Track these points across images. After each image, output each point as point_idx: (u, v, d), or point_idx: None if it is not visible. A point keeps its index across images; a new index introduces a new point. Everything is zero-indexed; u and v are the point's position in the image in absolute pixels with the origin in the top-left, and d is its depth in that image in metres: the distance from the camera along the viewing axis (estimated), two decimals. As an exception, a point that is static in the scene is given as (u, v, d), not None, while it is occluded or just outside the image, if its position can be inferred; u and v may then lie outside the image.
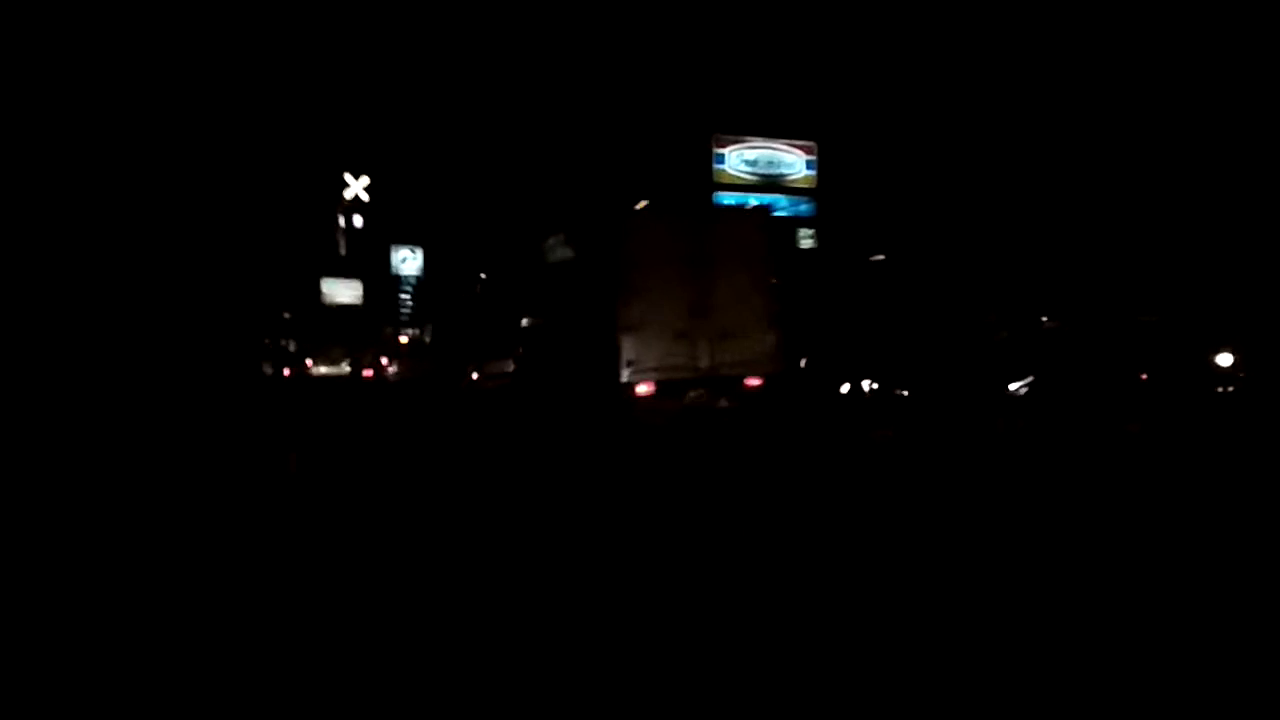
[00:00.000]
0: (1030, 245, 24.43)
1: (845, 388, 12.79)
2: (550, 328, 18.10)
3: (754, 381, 12.17)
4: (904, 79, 31.17)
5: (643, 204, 13.23)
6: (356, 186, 53.38)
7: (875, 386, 12.11)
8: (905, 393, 12.30)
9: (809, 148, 37.56)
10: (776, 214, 37.17)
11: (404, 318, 51.80)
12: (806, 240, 37.04)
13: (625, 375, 11.95)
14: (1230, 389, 10.31)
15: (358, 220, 54.05)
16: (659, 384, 12.02)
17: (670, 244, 12.22)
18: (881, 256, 30.36)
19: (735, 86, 35.02)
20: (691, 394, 12.11)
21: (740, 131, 36.87)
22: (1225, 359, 10.86)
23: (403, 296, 53.27)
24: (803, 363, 15.34)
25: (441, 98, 43.46)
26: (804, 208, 37.51)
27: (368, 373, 33.52)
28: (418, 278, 53.44)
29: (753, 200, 36.99)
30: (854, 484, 7.92)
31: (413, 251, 53.43)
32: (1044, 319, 20.29)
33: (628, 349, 11.96)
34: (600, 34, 36.80)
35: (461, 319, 40.91)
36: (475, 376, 23.94)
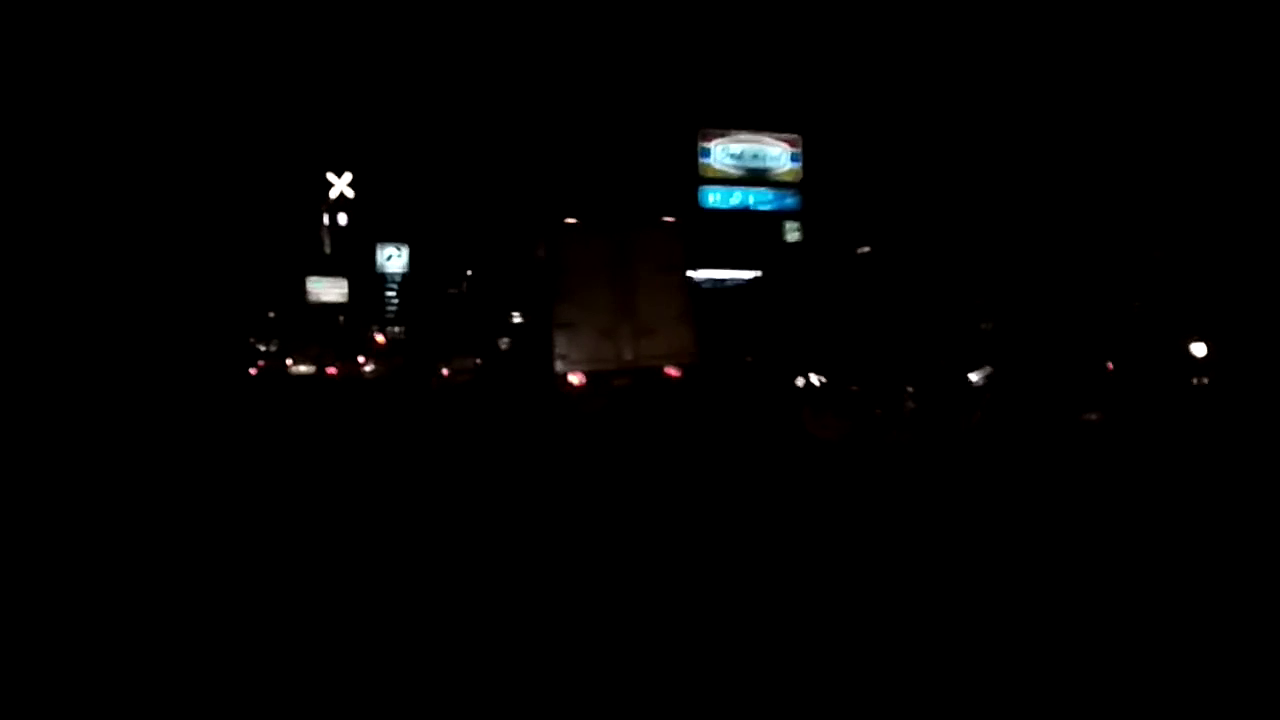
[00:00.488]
0: (1015, 235, 24.52)
1: (800, 381, 13.02)
2: (506, 327, 20.21)
3: (673, 371, 13.73)
4: (887, 71, 31.20)
5: (571, 220, 14.95)
6: (341, 184, 53.12)
7: (824, 380, 12.41)
8: (856, 387, 12.29)
9: (794, 140, 37.57)
10: (762, 207, 37.39)
11: (390, 315, 51.58)
12: (792, 233, 37.08)
13: (559, 367, 13.56)
14: (1204, 380, 10.27)
15: (342, 218, 53.80)
16: (588, 374, 13.55)
17: (596, 253, 13.80)
18: (867, 248, 30.41)
19: (720, 81, 35.03)
20: (617, 383, 13.55)
21: (725, 125, 36.85)
22: (1199, 349, 10.86)
23: (388, 294, 53.04)
24: (749, 357, 16.13)
25: (427, 94, 43.28)
26: (789, 201, 37.54)
27: (332, 370, 33.70)
28: (403, 275, 53.21)
29: (737, 195, 37.17)
30: (771, 471, 8.51)
31: (398, 249, 53.18)
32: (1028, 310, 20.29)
33: (560, 344, 13.59)
34: (586, 30, 36.71)
35: (434, 316, 41.21)
36: (446, 373, 24.37)
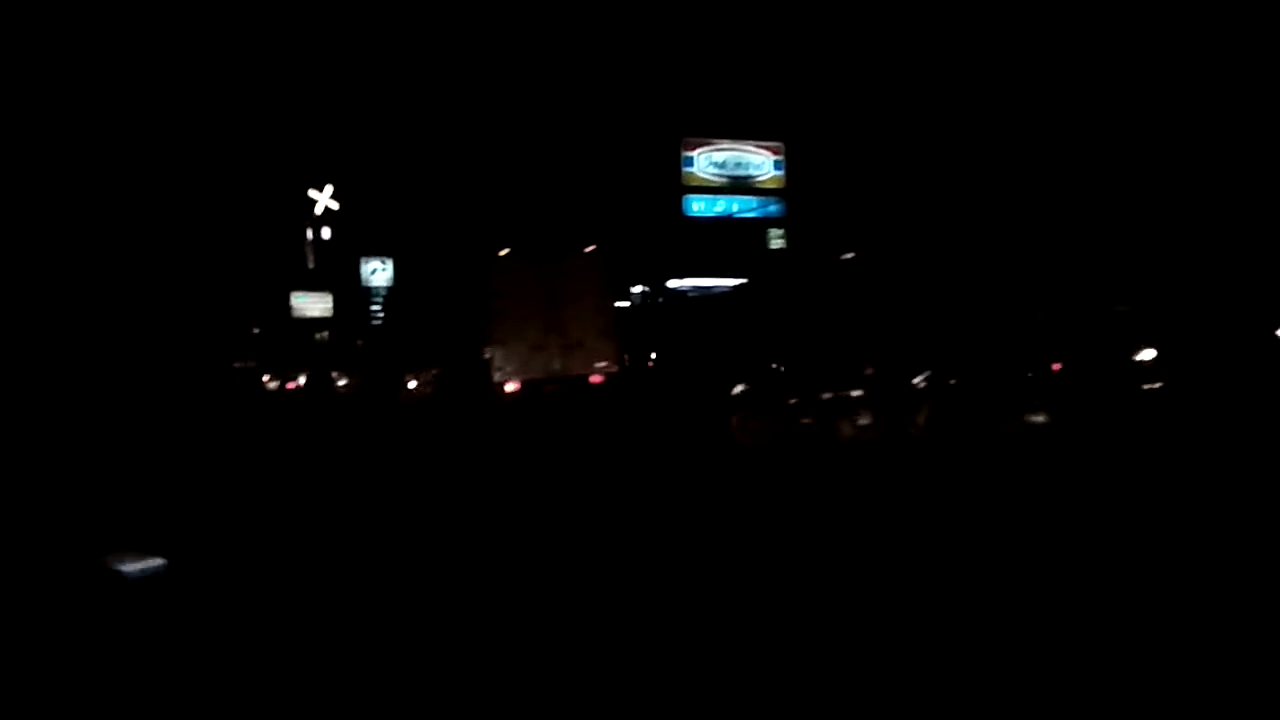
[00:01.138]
0: (997, 240, 24.67)
1: (739, 389, 13.73)
2: (459, 342, 22.50)
3: (597, 379, 15.60)
4: (869, 78, 31.31)
5: (503, 251, 16.79)
6: (324, 198, 52.90)
7: (752, 388, 13.26)
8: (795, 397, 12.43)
9: (777, 149, 37.63)
10: (745, 215, 37.41)
11: (375, 329, 51.28)
12: (776, 241, 37.10)
13: (496, 378, 15.63)
14: (1155, 385, 10.35)
15: (326, 233, 53.55)
16: (523, 383, 15.55)
17: (528, 279, 15.78)
18: (851, 255, 30.44)
19: (702, 89, 35.06)
20: (548, 390, 15.36)
21: (708, 134, 36.89)
22: (1148, 354, 11.01)
23: (373, 309, 52.77)
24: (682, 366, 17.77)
25: (411, 105, 43.19)
26: (773, 208, 37.57)
27: (290, 385, 34.16)
28: (388, 289, 52.94)
29: (720, 203, 37.20)
30: (684, 468, 9.40)
31: (383, 263, 52.91)
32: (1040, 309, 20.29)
33: (498, 358, 15.73)
34: (569, 40, 36.72)
35: (395, 330, 42.03)
36: (412, 385, 25.02)
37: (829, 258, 29.95)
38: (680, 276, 35.07)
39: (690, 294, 35.17)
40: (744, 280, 31.28)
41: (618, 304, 19.11)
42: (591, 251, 16.79)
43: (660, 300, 33.89)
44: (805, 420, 10.78)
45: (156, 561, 3.95)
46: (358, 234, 52.21)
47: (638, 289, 36.73)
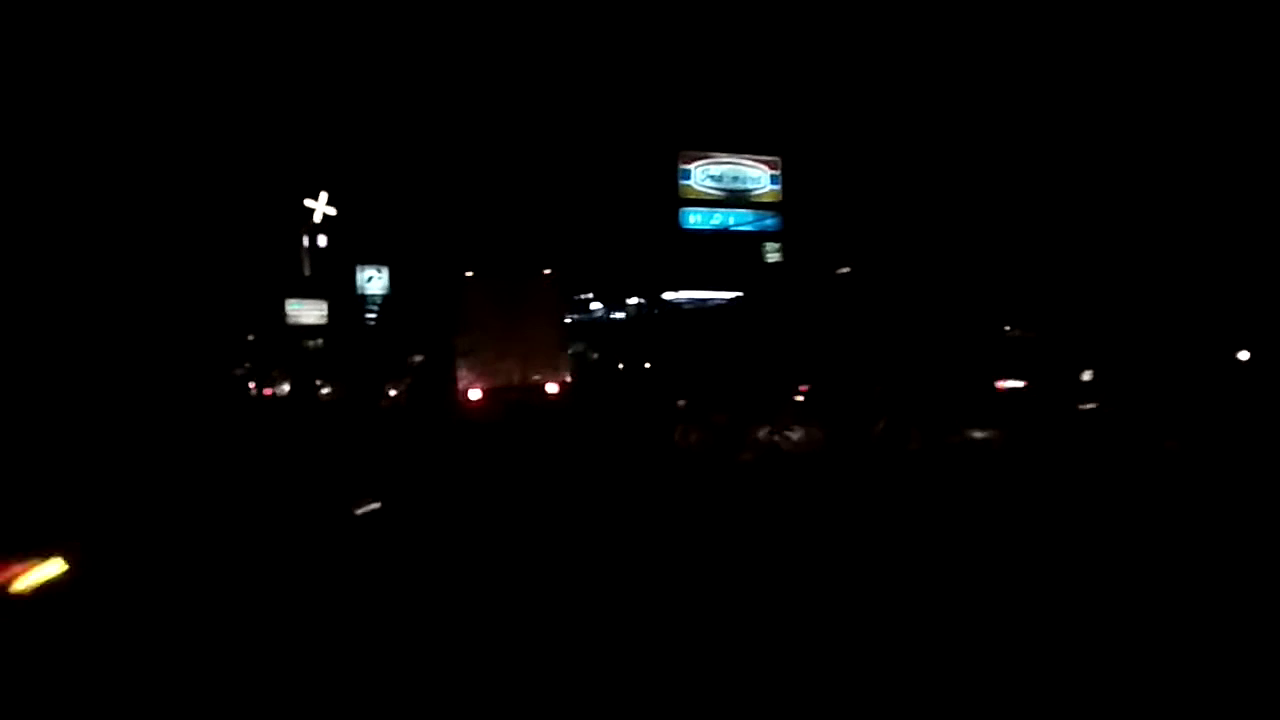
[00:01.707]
0: (991, 255, 24.85)
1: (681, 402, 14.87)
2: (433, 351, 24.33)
3: (552, 388, 17.14)
4: (866, 94, 31.53)
5: (469, 273, 18.29)
6: (320, 205, 52.90)
7: (684, 402, 14.34)
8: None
9: (773, 163, 37.83)
10: (742, 229, 37.56)
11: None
12: (773, 254, 37.25)
13: (461, 385, 17.08)
14: (1092, 405, 10.69)
15: (322, 240, 53.51)
16: (486, 391, 16.88)
17: (491, 297, 17.38)
18: (847, 269, 30.59)
19: (700, 103, 35.25)
20: (508, 397, 16.61)
21: (705, 148, 37.08)
22: (1087, 375, 11.44)
23: (369, 316, 52.71)
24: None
25: (411, 113, 43.31)
26: (769, 222, 37.74)
27: (268, 391, 34.54)
28: (383, 296, 52.89)
29: (717, 216, 37.37)
30: (623, 465, 10.33)
31: (378, 270, 52.89)
32: (1006, 328, 20.49)
33: (463, 368, 17.20)
34: (568, 53, 36.91)
35: (383, 337, 42.53)
36: (393, 393, 25.55)
37: (815, 271, 30.13)
38: (676, 289, 35.19)
39: (686, 306, 35.32)
40: (739, 293, 31.41)
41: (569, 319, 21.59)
42: (548, 274, 18.39)
43: (656, 311, 34.03)
44: (748, 430, 11.13)
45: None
46: (354, 241, 52.21)
47: (634, 300, 36.82)
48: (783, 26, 33.73)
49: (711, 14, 36.33)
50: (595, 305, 43.10)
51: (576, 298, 44.64)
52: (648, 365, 25.21)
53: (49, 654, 3.69)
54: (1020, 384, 11.62)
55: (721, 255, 35.63)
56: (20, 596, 3.73)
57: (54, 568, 3.92)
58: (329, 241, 53.46)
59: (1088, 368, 12.50)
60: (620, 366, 27.48)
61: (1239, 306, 16.37)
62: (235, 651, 4.29)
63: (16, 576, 3.78)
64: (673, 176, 36.39)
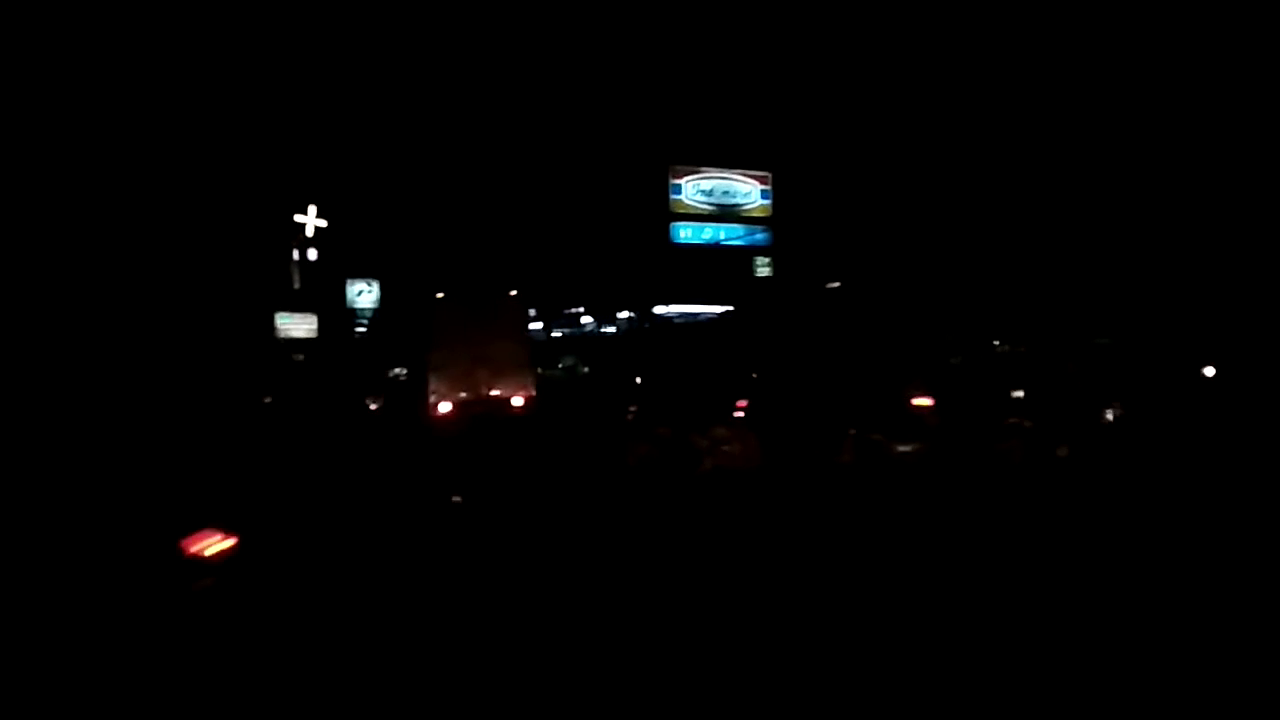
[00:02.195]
0: (980, 272, 24.92)
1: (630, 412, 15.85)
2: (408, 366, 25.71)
3: (518, 401, 17.92)
4: (857, 110, 31.68)
5: (440, 294, 19.15)
6: (309, 218, 52.77)
7: (636, 414, 15.01)
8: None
9: (764, 178, 37.94)
10: (732, 243, 37.65)
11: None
12: (763, 269, 37.32)
13: (432, 399, 17.72)
14: (1027, 424, 11.01)
15: (312, 254, 53.35)
16: (455, 404, 17.56)
17: (460, 317, 18.25)
18: (838, 284, 30.65)
19: (691, 118, 35.36)
20: (476, 410, 17.28)
21: (696, 162, 37.17)
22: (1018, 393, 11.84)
23: (359, 330, 52.55)
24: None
25: (402, 127, 43.31)
26: (760, 236, 37.83)
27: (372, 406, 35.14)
28: (374, 310, 52.76)
29: (708, 230, 37.45)
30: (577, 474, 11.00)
31: (369, 284, 52.77)
32: (995, 343, 20.55)
33: (433, 383, 17.90)
34: (560, 68, 37.01)
35: (369, 352, 43.00)
36: (374, 407, 25.99)
37: (816, 285, 30.16)
38: (667, 303, 35.20)
39: (676, 320, 35.31)
40: (729, 307, 31.44)
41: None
42: (514, 295, 19.51)
43: (646, 325, 34.04)
44: (687, 444, 11.32)
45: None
46: (344, 255, 52.09)
47: (624, 314, 36.81)
48: (774, 42, 33.91)
49: (703, 29, 36.53)
50: (586, 319, 43.03)
51: (567, 312, 44.72)
52: (638, 380, 25.32)
53: (225, 601, 5.36)
54: (931, 401, 12.01)
55: (712, 270, 35.68)
56: (208, 560, 5.57)
57: (229, 541, 5.73)
58: (319, 255, 53.33)
59: (1020, 386, 13.00)
60: (607, 379, 27.69)
61: (1208, 322, 16.83)
62: (367, 608, 5.61)
63: (206, 546, 5.65)
64: (664, 191, 36.46)
